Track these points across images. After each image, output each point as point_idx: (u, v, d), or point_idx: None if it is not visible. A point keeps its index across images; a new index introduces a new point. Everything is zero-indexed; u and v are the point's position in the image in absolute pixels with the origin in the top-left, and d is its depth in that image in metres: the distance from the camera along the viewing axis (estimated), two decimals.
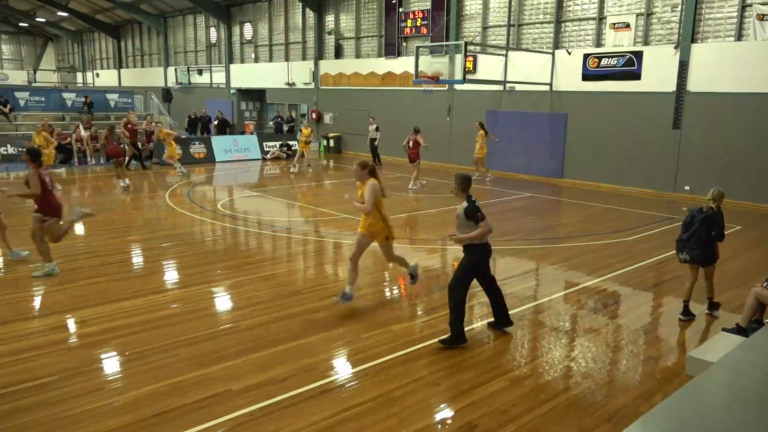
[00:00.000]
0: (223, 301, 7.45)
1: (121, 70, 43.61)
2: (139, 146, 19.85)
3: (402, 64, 22.69)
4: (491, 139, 17.68)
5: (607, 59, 17.00)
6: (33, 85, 42.55)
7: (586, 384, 5.30)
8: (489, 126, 19.58)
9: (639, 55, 16.33)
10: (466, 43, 16.88)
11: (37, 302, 7.27)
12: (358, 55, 25.08)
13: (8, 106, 22.23)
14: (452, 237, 6.13)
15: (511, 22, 19.41)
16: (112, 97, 26.43)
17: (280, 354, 5.73)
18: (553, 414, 4.77)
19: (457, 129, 20.91)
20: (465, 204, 5.96)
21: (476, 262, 6.12)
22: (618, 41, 16.87)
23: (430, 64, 17.96)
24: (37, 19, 46.95)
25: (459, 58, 16.89)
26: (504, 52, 18.94)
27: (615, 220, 12.72)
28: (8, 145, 20.09)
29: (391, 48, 23.22)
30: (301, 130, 20.57)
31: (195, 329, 6.33)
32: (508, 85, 18.83)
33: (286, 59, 28.77)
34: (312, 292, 7.71)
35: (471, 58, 19.50)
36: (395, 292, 8.11)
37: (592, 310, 7.31)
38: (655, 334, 6.62)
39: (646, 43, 16.37)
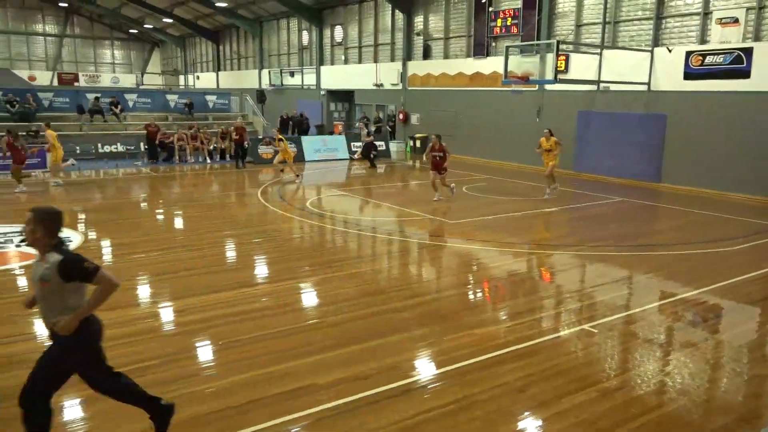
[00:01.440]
0: (309, 297, 7.67)
1: (219, 72, 45.79)
2: (245, 146, 20.64)
3: (491, 65, 22.40)
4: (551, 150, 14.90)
5: (712, 57, 15.99)
6: (140, 87, 45.53)
7: (682, 401, 5.02)
8: (580, 128, 18.96)
9: (749, 51, 15.24)
10: (558, 42, 16.42)
11: (140, 291, 7.78)
12: (446, 56, 25.01)
13: (119, 107, 23.91)
14: (58, 326, 3.77)
15: (607, 20, 18.67)
16: (211, 99, 27.81)
17: (364, 351, 5.83)
18: (644, 429, 4.56)
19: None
20: (56, 257, 3.72)
21: (82, 352, 3.91)
22: (725, 37, 15.82)
23: (519, 63, 17.63)
24: (145, 26, 50.24)
25: (550, 57, 16.44)
26: (598, 50, 18.25)
27: (717, 228, 11.95)
28: (118, 144, 21.63)
29: (480, 48, 22.97)
30: (278, 138, 18.52)
31: (283, 323, 6.55)
32: (602, 85, 18.13)
33: (375, 60, 29.14)
34: (396, 292, 7.77)
35: (563, 58, 18.93)
36: (479, 295, 8.03)
37: (689, 323, 6.92)
38: (762, 352, 6.18)
39: (757, 39, 15.25)
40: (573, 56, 19.37)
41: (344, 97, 32.55)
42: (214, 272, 8.49)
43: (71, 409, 4.78)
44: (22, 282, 7.96)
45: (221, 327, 6.39)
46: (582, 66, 18.89)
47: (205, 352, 5.86)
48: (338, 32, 31.78)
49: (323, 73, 33.22)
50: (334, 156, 23.44)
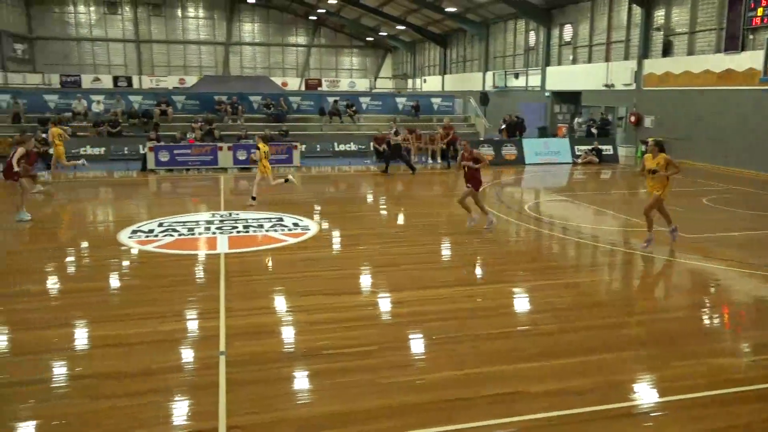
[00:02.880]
0: (522, 302, 7.54)
1: (445, 75, 47.18)
2: (455, 147, 21.13)
3: (746, 60, 19.63)
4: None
5: None
6: (373, 91, 48.96)
7: None
8: None
9: None
10: None
11: (363, 280, 8.39)
12: (690, 52, 22.54)
13: (354, 109, 26.01)
14: None
15: None
16: (436, 101, 28.80)
17: (578, 365, 5.56)
18: None
19: None
20: None
21: None
22: None
23: None
24: (380, 34, 53.95)
25: None
26: None
27: None
28: (352, 143, 23.58)
29: (733, 42, 20.26)
30: (258, 147, 13.84)
31: (495, 325, 6.54)
32: None
33: (606, 60, 27.47)
34: (616, 307, 7.27)
35: None
36: (716, 320, 7.13)
37: None
38: None
39: None
40: None
41: (570, 98, 31.26)
42: (431, 269, 8.79)
43: None
44: (267, 263, 9.09)
45: (435, 322, 6.60)
46: None
47: (418, 345, 6.11)
48: (567, 31, 30.60)
49: (549, 74, 32.28)
50: (555, 159, 22.65)
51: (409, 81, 56.35)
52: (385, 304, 7.34)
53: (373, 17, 48.51)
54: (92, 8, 52.25)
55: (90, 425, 4.50)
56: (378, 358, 5.70)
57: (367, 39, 58.72)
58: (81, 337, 6.29)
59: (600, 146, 22.88)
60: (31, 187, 12.78)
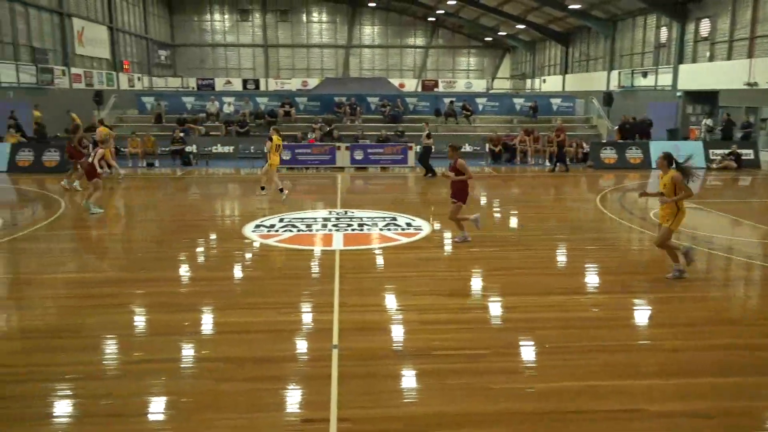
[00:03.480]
0: (643, 315, 7.09)
1: (566, 75, 45.50)
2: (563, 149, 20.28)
3: None
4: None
5: None
6: (489, 91, 48.29)
7: None
8: None
9: None
10: None
11: (474, 283, 8.29)
12: None
13: (470, 110, 25.80)
14: None
15: None
16: (555, 102, 27.86)
17: (706, 387, 5.14)
18: None
19: None
20: None
21: None
22: None
23: None
24: (499, 33, 53.07)
25: None
26: None
27: None
28: (467, 144, 23.36)
29: None
30: (270, 138, 14.23)
31: (612, 337, 6.21)
32: None
33: (749, 56, 25.15)
34: (753, 326, 6.64)
35: None
36: None
37: None
38: None
39: None
40: None
41: (705, 98, 28.96)
42: (546, 274, 8.52)
43: None
44: (380, 261, 9.25)
45: (548, 330, 6.39)
46: None
47: (530, 352, 5.94)
48: (704, 26, 28.38)
49: (681, 72, 30.11)
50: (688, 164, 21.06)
51: (528, 81, 54.95)
52: (497, 308, 7.21)
53: (492, 17, 47.82)
54: (226, 16, 56.04)
55: (213, 405, 4.82)
56: (488, 362, 5.61)
57: (485, 39, 58.02)
58: (207, 322, 6.75)
59: (739, 150, 21.00)
60: (69, 184, 15.22)
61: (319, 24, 57.55)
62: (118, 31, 41.81)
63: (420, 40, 59.24)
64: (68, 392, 5.08)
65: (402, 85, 50.68)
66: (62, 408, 4.85)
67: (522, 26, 46.54)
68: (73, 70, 34.73)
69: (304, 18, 57.15)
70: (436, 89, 52.23)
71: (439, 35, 59.31)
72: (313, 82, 49.32)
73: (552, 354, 5.83)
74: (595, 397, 4.94)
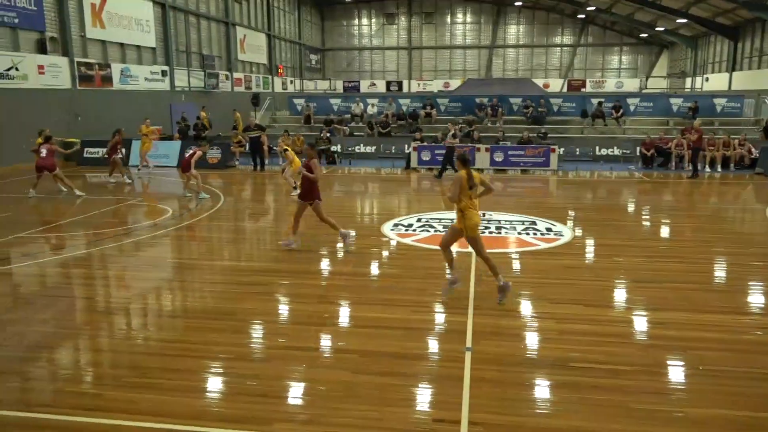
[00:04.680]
0: None
1: (733, 73, 41.31)
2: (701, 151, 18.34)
3: None
4: None
5: None
6: (642, 91, 45.16)
7: None
8: None
9: None
10: None
11: (619, 294, 7.80)
12: None
13: (620, 111, 24.32)
14: None
15: None
16: (720, 102, 25.37)
17: None
18: None
19: None
20: None
21: None
22: None
23: None
24: (656, 29, 49.41)
25: None
26: None
27: None
28: (615, 147, 22.07)
29: None
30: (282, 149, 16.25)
31: None
32: None
33: None
34: None
35: None
36: None
37: None
38: None
39: None
40: None
41: None
42: (702, 290, 7.80)
43: None
44: (516, 265, 9.03)
45: (702, 351, 5.83)
46: None
47: (680, 373, 5.47)
48: None
49: None
50: None
51: (687, 80, 50.64)
52: (644, 322, 6.72)
53: (649, 11, 44.69)
54: (373, 20, 57.90)
55: (347, 395, 4.99)
56: (632, 379, 5.25)
57: (640, 36, 54.37)
58: (345, 315, 7.02)
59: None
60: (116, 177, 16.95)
61: (462, 25, 57.46)
62: (274, 37, 44.81)
63: (567, 39, 56.92)
64: (220, 370, 5.53)
65: (546, 86, 49.03)
66: (215, 384, 5.30)
67: (683, 20, 42.93)
68: (235, 75, 37.85)
69: (448, 19, 57.37)
70: (583, 89, 49.92)
71: (588, 33, 56.59)
72: (454, 84, 49.38)
73: (707, 377, 5.32)
74: (754, 430, 4.44)
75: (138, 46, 27.75)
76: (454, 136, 18.45)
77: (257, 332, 6.48)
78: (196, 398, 4.99)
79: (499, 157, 20.32)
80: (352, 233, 9.98)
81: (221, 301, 7.38)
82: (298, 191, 13.29)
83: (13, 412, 4.74)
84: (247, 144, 21.31)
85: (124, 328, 6.65)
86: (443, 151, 18.64)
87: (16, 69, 20.17)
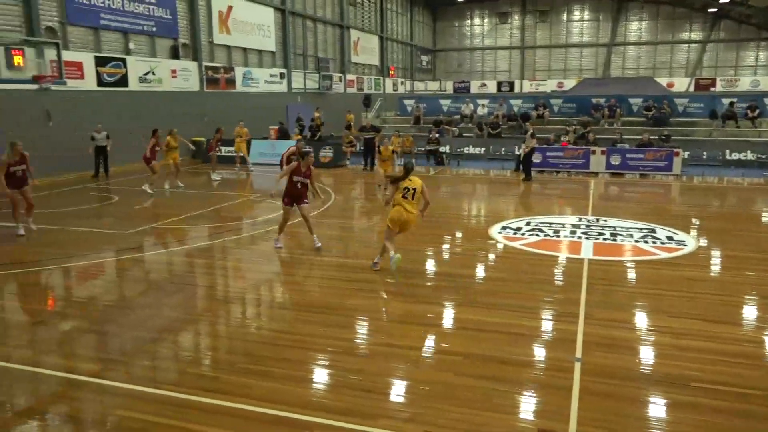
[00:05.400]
0: None
1: None
2: None
3: None
4: None
5: None
6: None
7: None
8: None
9: None
10: None
11: (747, 311, 7.17)
12: None
13: (756, 110, 22.33)
14: None
15: None
16: None
17: None
18: None
19: None
20: None
21: None
22: None
23: None
24: None
25: None
26: None
27: None
28: (748, 151, 20.30)
29: None
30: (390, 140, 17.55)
31: None
32: None
33: None
34: None
35: None
36: None
37: None
38: None
39: None
40: None
41: None
42: None
43: None
44: (632, 275, 8.55)
45: None
46: None
47: None
48: None
49: None
50: None
51: None
52: None
53: None
54: (486, 20, 57.14)
55: (449, 397, 4.98)
56: (760, 405, 4.81)
57: None
58: (449, 317, 7.00)
59: None
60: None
61: (580, 23, 55.20)
62: (386, 39, 45.51)
63: (696, 34, 52.96)
64: (326, 363, 5.71)
65: (671, 85, 46.00)
66: (321, 376, 5.49)
67: None
68: (348, 77, 38.88)
69: (565, 17, 55.35)
70: (712, 89, 46.29)
71: (720, 27, 52.34)
72: (569, 83, 47.61)
73: None
74: None
75: (259, 51, 29.30)
76: (532, 135, 18.01)
77: (362, 328, 6.62)
78: (305, 388, 5.19)
79: (615, 160, 19.36)
80: (281, 244, 9.96)
81: (329, 296, 7.62)
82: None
83: (144, 387, 5.18)
84: (358, 144, 21.84)
85: (239, 317, 7.05)
86: (559, 153, 18.22)
87: (153, 73, 22.00)
